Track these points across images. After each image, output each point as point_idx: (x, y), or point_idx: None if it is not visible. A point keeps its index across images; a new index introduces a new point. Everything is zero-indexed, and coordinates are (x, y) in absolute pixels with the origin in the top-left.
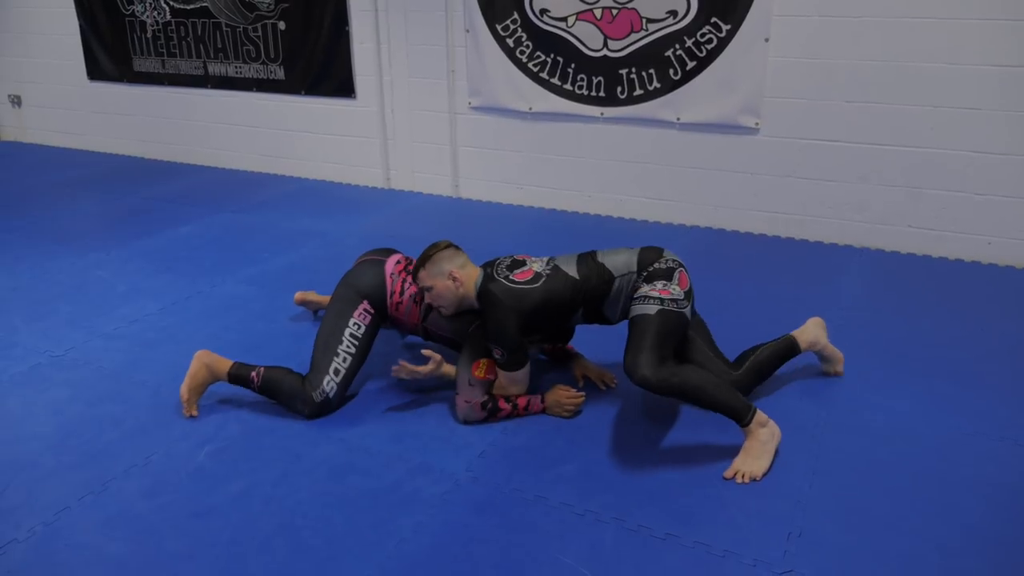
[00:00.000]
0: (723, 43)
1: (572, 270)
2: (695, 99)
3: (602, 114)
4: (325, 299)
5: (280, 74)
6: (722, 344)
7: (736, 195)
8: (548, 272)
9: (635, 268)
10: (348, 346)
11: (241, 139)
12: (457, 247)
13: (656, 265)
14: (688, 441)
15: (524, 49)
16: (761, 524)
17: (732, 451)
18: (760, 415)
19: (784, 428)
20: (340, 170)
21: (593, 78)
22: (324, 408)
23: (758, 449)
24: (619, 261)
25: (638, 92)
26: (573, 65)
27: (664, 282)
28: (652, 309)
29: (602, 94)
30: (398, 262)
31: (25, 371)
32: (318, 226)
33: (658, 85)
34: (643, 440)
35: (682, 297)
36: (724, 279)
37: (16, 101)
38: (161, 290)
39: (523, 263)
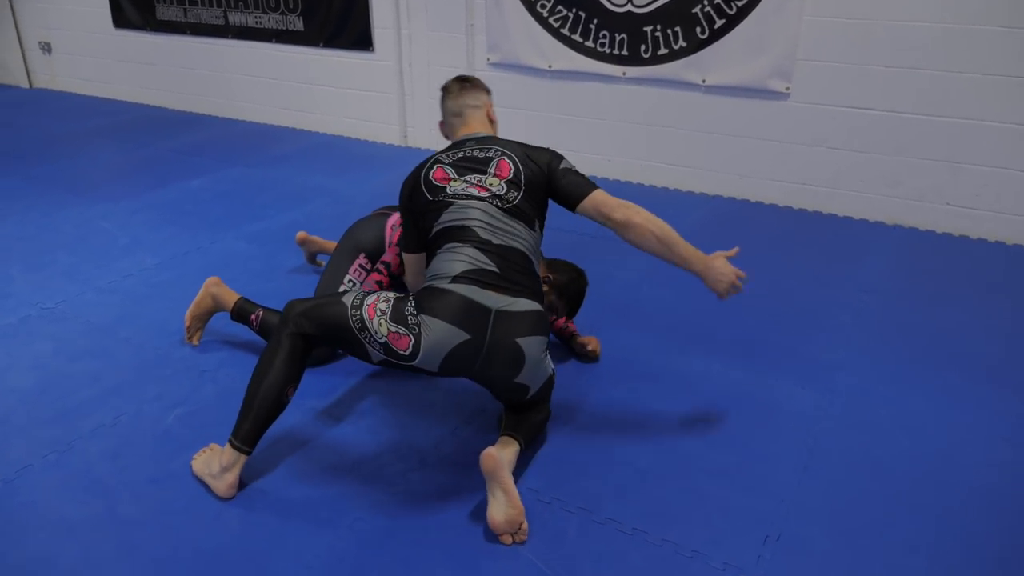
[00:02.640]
0: (754, 0)
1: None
2: (722, 60)
3: (624, 74)
4: (325, 243)
5: (299, 25)
6: (733, 325)
7: (762, 164)
8: None
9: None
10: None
11: (262, 92)
12: None
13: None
14: (668, 430)
15: (545, 3)
16: (738, 523)
17: (716, 443)
18: None
19: (777, 418)
20: (358, 126)
21: (616, 35)
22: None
23: None
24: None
25: (662, 51)
26: (596, 21)
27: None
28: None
29: (625, 52)
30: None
31: (14, 323)
32: (329, 183)
33: (683, 44)
34: (619, 427)
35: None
36: (743, 253)
37: (46, 48)
38: (162, 244)
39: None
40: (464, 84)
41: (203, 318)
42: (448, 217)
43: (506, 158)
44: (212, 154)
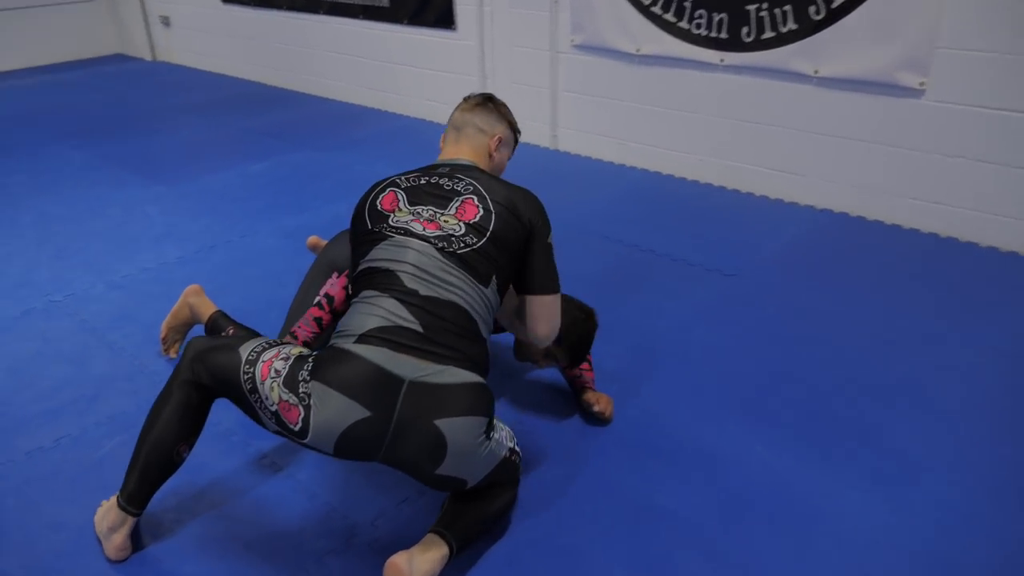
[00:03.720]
0: None
1: None
2: (840, 47)
3: (722, 60)
4: None
5: (384, 1)
6: (801, 389)
7: (885, 175)
8: None
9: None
10: None
11: (350, 71)
12: None
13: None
14: (669, 538)
15: None
16: None
17: (730, 567)
18: None
19: (833, 539)
20: (438, 109)
21: (714, 15)
22: None
23: None
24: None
25: (768, 35)
26: None
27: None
28: None
29: (723, 35)
30: None
31: (16, 316)
32: (392, 171)
33: (794, 26)
34: (606, 525)
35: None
36: (845, 283)
37: (166, 21)
38: (193, 235)
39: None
40: (485, 103)
41: (180, 330)
42: (377, 255)
43: (476, 199)
44: (288, 135)
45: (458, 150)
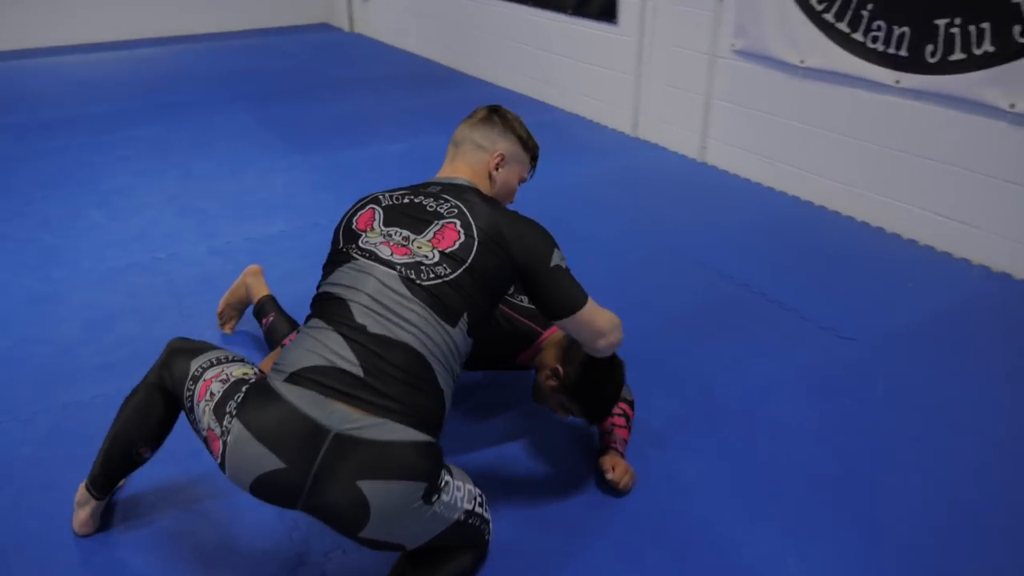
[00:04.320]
0: None
1: None
2: None
3: (897, 82)
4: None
5: None
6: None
7: None
8: None
9: None
10: None
11: (515, 58)
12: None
13: None
14: None
15: None
16: None
17: None
18: None
19: None
20: (592, 106)
21: (895, 28)
22: None
23: None
24: None
25: (957, 56)
26: (871, 5)
27: None
28: None
29: (903, 52)
30: None
31: (119, 268)
32: None
33: (991, 48)
34: None
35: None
36: (1001, 378)
37: None
38: (304, 210)
39: None
40: (489, 116)
41: (237, 307)
42: (336, 279)
43: (459, 223)
44: (440, 117)
45: (454, 168)
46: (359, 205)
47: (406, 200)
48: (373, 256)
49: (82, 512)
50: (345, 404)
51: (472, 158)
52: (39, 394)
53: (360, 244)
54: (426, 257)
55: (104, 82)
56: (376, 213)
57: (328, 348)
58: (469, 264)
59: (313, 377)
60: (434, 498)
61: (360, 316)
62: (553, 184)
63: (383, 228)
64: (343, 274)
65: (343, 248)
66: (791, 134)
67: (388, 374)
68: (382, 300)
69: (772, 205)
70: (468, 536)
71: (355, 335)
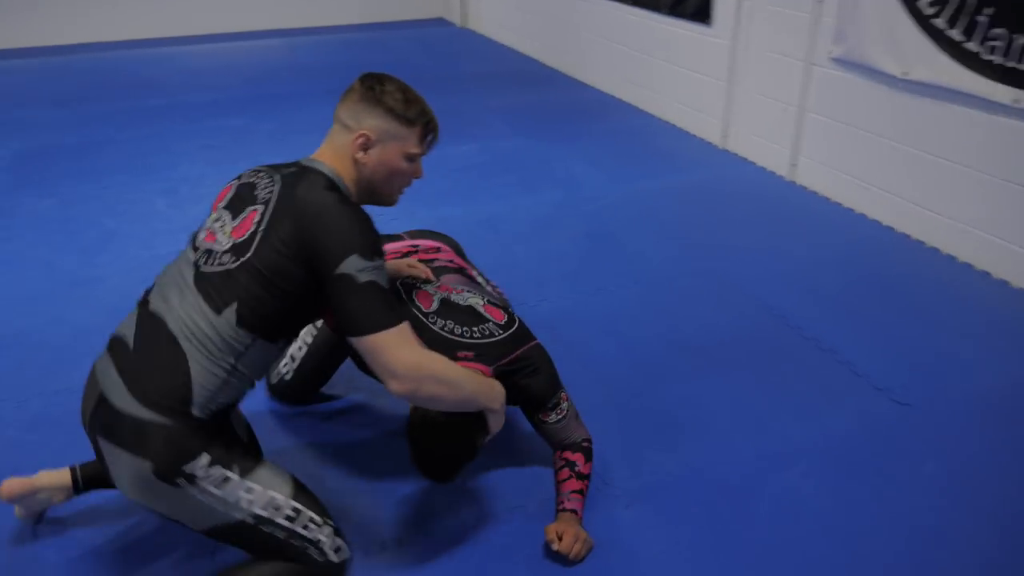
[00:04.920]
0: None
1: None
2: None
3: (1016, 102)
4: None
5: None
6: None
7: None
8: None
9: None
10: (305, 334)
11: (611, 58)
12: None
13: None
14: None
15: None
16: None
17: None
18: None
19: None
20: (683, 113)
21: (1016, 38)
22: (278, 391)
23: None
24: None
25: None
26: (991, 9)
27: None
28: None
29: None
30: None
31: (163, 256)
32: (601, 175)
33: None
34: None
35: None
36: None
37: None
38: None
39: None
40: (364, 89)
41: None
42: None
43: (263, 210)
44: (521, 118)
45: (320, 150)
46: (231, 181)
47: (252, 180)
48: (193, 240)
49: (41, 493)
50: (117, 371)
51: (336, 140)
52: (40, 377)
53: (199, 229)
54: (220, 244)
55: (211, 72)
56: (230, 191)
57: (127, 321)
58: (247, 258)
59: (112, 345)
60: (179, 481)
61: (153, 294)
62: (621, 194)
63: (221, 210)
64: (184, 250)
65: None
66: (890, 156)
67: (148, 350)
68: (168, 281)
69: (859, 235)
70: (273, 546)
71: (141, 311)
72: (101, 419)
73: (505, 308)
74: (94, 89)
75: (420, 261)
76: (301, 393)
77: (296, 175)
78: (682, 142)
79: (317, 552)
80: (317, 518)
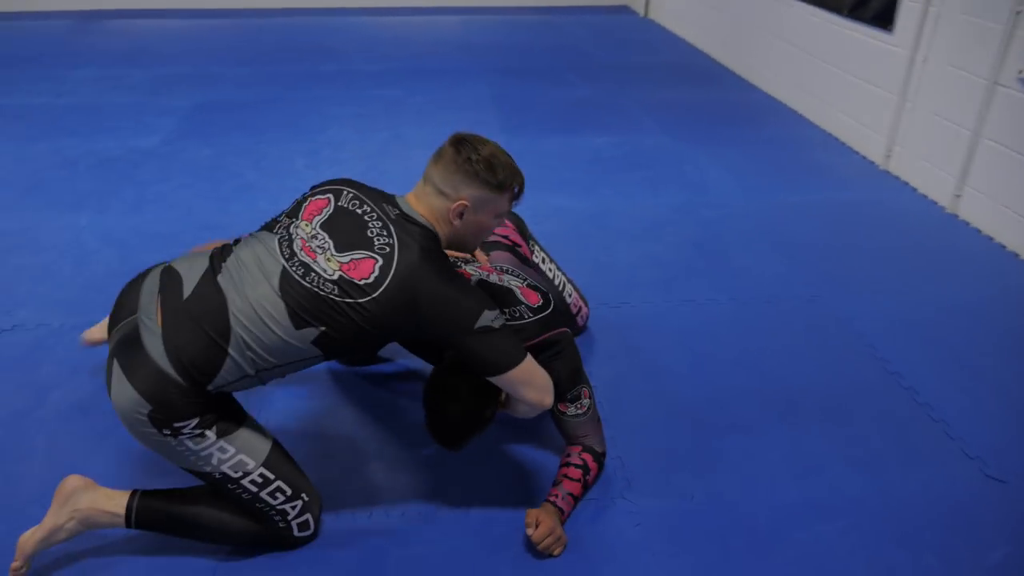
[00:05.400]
0: None
1: None
2: None
3: None
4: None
5: None
6: None
7: None
8: None
9: None
10: None
11: (783, 60)
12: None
13: None
14: None
15: None
16: None
17: None
18: None
19: None
20: (847, 127)
21: None
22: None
23: None
24: None
25: None
26: None
27: None
28: None
29: None
30: None
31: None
32: (728, 185)
33: None
34: None
35: None
36: None
37: None
38: None
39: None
40: (460, 159)
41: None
42: (255, 233)
43: (382, 266)
44: (671, 116)
45: (418, 202)
46: (324, 187)
47: (355, 210)
48: (285, 241)
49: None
50: (159, 307)
51: (433, 202)
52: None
53: (290, 228)
54: (323, 270)
55: (385, 43)
56: (327, 207)
57: (192, 266)
58: (357, 302)
59: (168, 277)
60: (166, 432)
61: (229, 264)
62: (749, 206)
63: (317, 229)
64: (261, 234)
65: (281, 217)
66: None
67: (199, 316)
68: (248, 264)
69: (1015, 284)
70: (239, 503)
71: (211, 270)
72: (127, 348)
73: (543, 292)
74: (278, 52)
75: None
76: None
77: (412, 229)
78: (839, 157)
79: (281, 520)
80: (287, 489)
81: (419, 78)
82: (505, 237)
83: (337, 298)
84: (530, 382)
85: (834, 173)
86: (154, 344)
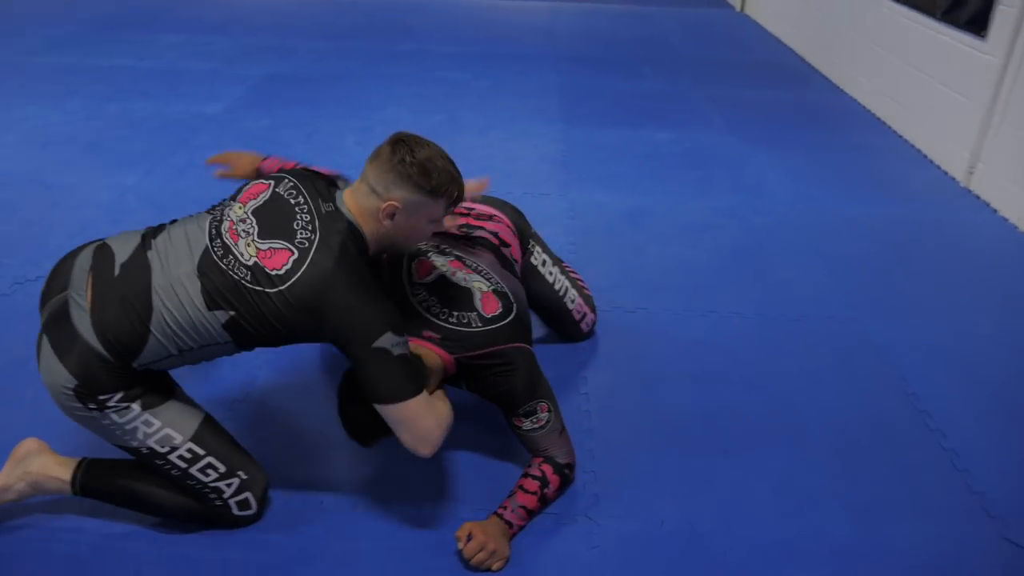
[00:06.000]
0: None
1: None
2: None
3: None
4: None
5: None
6: None
7: None
8: None
9: None
10: None
11: (871, 63)
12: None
13: None
14: None
15: None
16: None
17: None
18: None
19: None
20: (928, 138)
21: None
22: None
23: None
24: None
25: None
26: None
27: None
28: None
29: None
30: None
31: None
32: (785, 191)
33: None
34: None
35: None
36: None
37: None
38: (509, 176)
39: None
40: (394, 159)
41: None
42: (191, 216)
43: (296, 259)
44: (746, 115)
45: (349, 198)
46: (264, 178)
47: (290, 199)
48: (216, 222)
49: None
50: (90, 284)
51: (363, 201)
52: None
53: (224, 209)
54: (241, 254)
55: (465, 25)
56: (264, 193)
57: (125, 243)
58: (266, 291)
59: (101, 254)
60: (91, 406)
61: (160, 239)
62: (805, 215)
63: (248, 213)
64: (200, 214)
65: (226, 199)
66: None
67: (126, 292)
68: (177, 240)
69: None
70: (172, 479)
71: (142, 245)
72: (56, 325)
73: (507, 302)
74: (360, 28)
75: (467, 226)
76: None
77: (336, 226)
78: (917, 170)
79: (217, 499)
80: (220, 466)
81: (489, 62)
82: (494, 235)
83: (249, 284)
84: (410, 424)
85: (906, 187)
86: (82, 321)
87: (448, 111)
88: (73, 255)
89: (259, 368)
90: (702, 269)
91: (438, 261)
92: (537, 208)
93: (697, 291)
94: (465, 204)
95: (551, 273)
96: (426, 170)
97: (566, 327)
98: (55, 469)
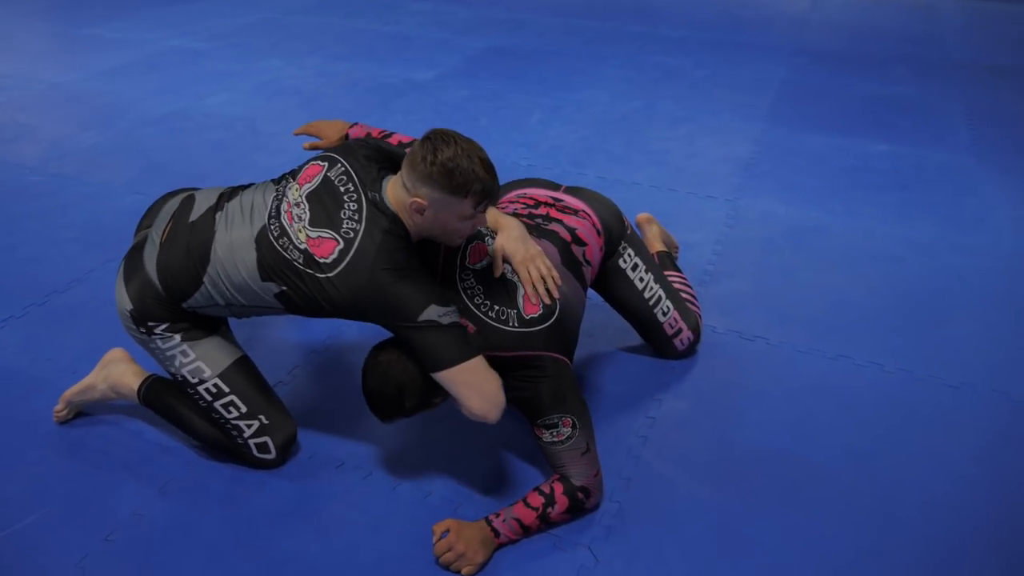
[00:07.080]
0: None
1: None
2: None
3: None
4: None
5: None
6: None
7: None
8: None
9: None
10: None
11: None
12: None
13: None
14: None
15: None
16: None
17: None
18: None
19: None
20: None
21: None
22: None
23: None
24: None
25: None
26: None
27: None
28: None
29: None
30: None
31: None
32: (1018, 231)
33: None
34: None
35: None
36: None
37: None
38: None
39: None
40: (420, 157)
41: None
42: (259, 184)
43: (343, 249)
44: (1010, 135)
45: (391, 192)
46: (320, 156)
47: (342, 187)
48: (276, 200)
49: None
50: (168, 228)
51: (399, 193)
52: None
53: (287, 188)
54: (295, 238)
55: (714, 10)
56: (318, 176)
57: (206, 198)
58: (315, 276)
59: (185, 204)
60: (142, 330)
61: (232, 204)
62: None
63: (302, 197)
64: (268, 184)
65: (288, 174)
66: None
67: (193, 242)
68: (245, 206)
69: None
70: (199, 410)
71: (218, 204)
72: (131, 257)
73: (552, 305)
74: (597, 7)
75: (546, 216)
76: None
77: (380, 217)
78: None
79: (238, 436)
80: (242, 406)
81: (716, 50)
82: (572, 230)
83: (301, 266)
84: (475, 385)
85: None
86: (151, 257)
87: (648, 98)
88: (166, 198)
89: (349, 325)
90: (855, 305)
91: (492, 248)
92: (693, 211)
93: (835, 330)
94: (553, 195)
95: (642, 279)
96: (447, 170)
97: (657, 340)
98: (129, 378)
